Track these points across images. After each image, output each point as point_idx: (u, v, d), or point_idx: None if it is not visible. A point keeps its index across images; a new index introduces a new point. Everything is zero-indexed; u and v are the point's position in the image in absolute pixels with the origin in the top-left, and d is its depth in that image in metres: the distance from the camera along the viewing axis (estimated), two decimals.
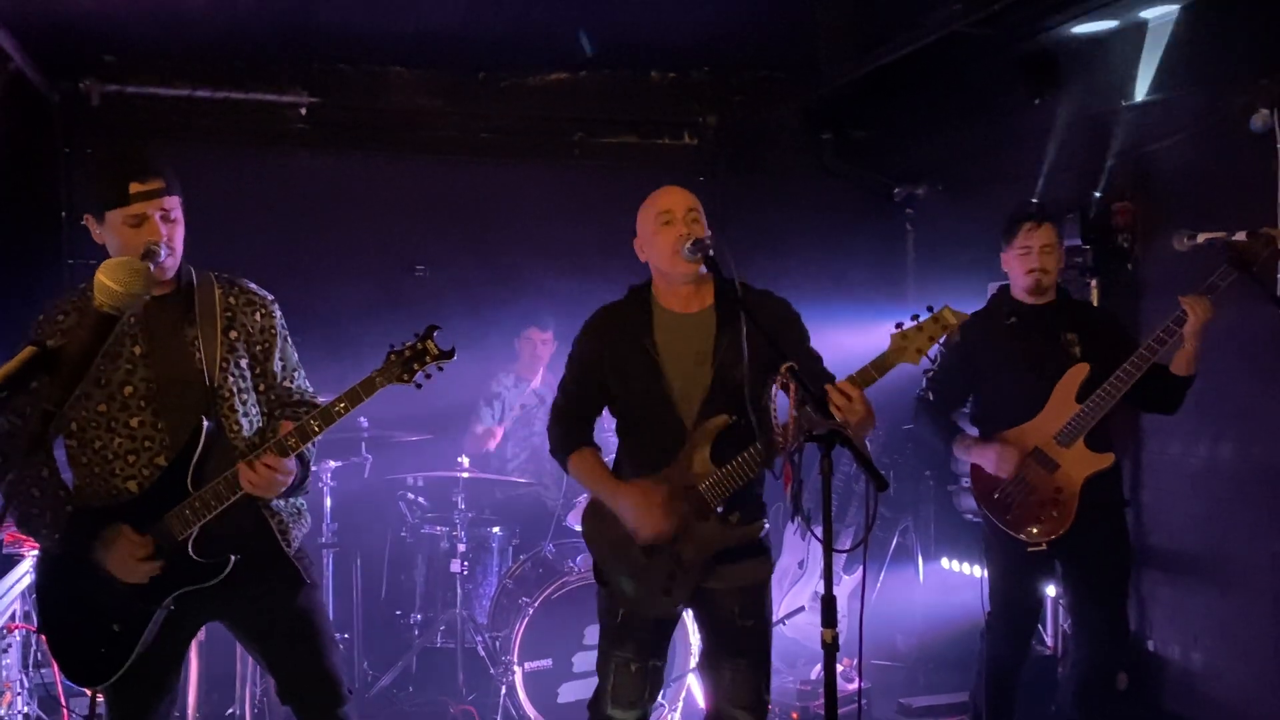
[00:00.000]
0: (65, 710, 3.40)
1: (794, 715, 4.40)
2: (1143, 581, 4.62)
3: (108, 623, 2.65)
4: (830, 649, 2.30)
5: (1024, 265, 3.60)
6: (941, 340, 2.64)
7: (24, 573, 3.42)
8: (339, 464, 4.80)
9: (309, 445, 2.79)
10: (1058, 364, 3.53)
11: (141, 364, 2.71)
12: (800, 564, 5.14)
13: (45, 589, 2.75)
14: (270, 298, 2.90)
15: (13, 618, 3.42)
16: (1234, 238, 3.22)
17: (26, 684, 3.49)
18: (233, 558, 2.66)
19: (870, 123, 6.18)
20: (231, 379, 2.76)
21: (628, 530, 2.88)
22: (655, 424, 2.91)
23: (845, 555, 4.98)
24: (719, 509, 2.85)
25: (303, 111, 5.60)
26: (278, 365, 2.85)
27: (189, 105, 5.41)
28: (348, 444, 4.89)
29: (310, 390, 2.93)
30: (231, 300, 2.82)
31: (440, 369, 2.61)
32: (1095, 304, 4.70)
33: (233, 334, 2.79)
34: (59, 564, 2.72)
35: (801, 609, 4.75)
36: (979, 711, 3.77)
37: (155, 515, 2.65)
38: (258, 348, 2.82)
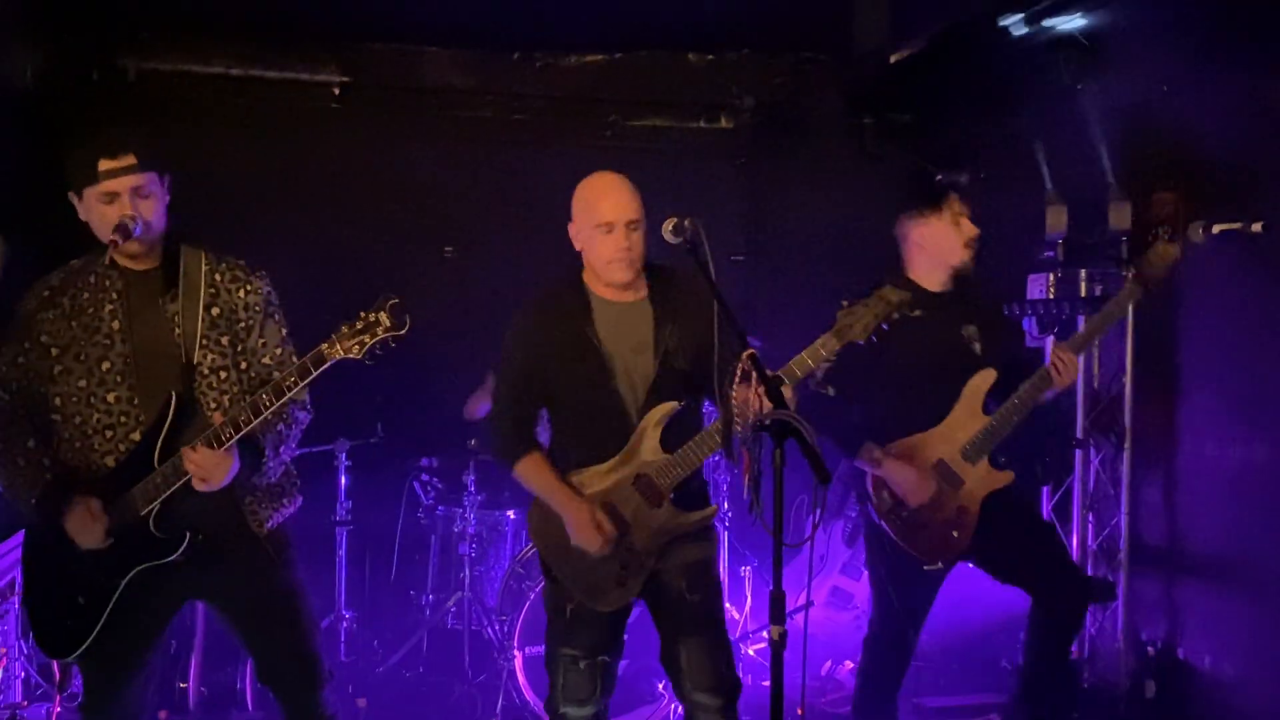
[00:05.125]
0: (57, 676, 3.46)
1: (799, 711, 4.30)
2: (1173, 587, 4.45)
3: (74, 595, 2.68)
4: (778, 646, 2.25)
5: (961, 236, 3.38)
6: (885, 319, 2.71)
7: (19, 542, 3.48)
8: (354, 443, 4.82)
9: (282, 426, 2.78)
10: (961, 364, 3.37)
11: (119, 339, 2.72)
12: (820, 559, 5.04)
13: (26, 559, 2.81)
14: (260, 274, 2.88)
15: (12, 586, 3.48)
16: (1252, 228, 3.05)
17: (25, 649, 3.56)
18: (188, 535, 2.66)
19: (912, 107, 6.02)
20: (211, 355, 2.75)
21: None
22: (601, 414, 2.90)
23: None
24: (671, 496, 2.84)
25: (335, 90, 5.61)
26: (258, 342, 2.83)
27: (223, 83, 5.45)
28: (364, 423, 4.91)
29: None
30: (217, 276, 2.81)
31: (393, 345, 2.58)
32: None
33: (215, 310, 2.78)
34: (40, 535, 2.76)
35: (810, 604, 4.65)
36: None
37: (125, 489, 2.67)
38: (240, 325, 2.81)
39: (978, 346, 3.39)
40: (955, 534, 3.31)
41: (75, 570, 2.68)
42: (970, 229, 3.38)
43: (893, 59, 5.38)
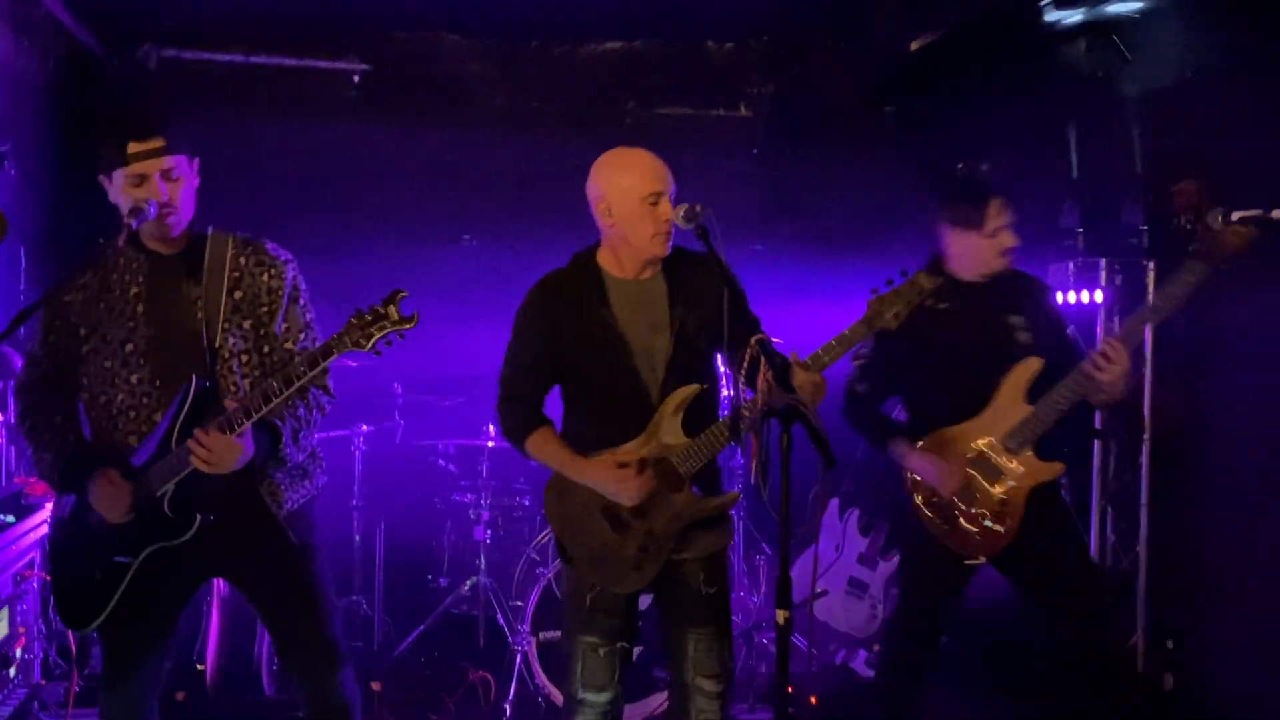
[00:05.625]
0: (73, 656, 3.51)
1: (813, 700, 4.31)
2: (1192, 581, 4.41)
3: (92, 569, 2.73)
4: (784, 631, 2.25)
5: (997, 248, 3.24)
6: (917, 304, 2.62)
7: (41, 520, 3.53)
8: (371, 428, 4.85)
9: (304, 410, 2.80)
10: (1003, 353, 3.23)
11: (143, 321, 2.76)
12: (836, 548, 5.02)
13: (51, 533, 2.86)
14: (285, 259, 2.89)
15: (31, 565, 3.52)
16: (1271, 215, 3.01)
17: (44, 629, 3.61)
18: (199, 518, 2.68)
19: (934, 95, 5.97)
20: (233, 340, 2.77)
21: (594, 506, 2.84)
22: (619, 397, 2.84)
23: (882, 539, 4.88)
24: (692, 480, 2.80)
25: (355, 79, 5.63)
26: (280, 327, 2.84)
27: (244, 71, 5.49)
28: (381, 409, 4.94)
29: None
30: (243, 261, 2.83)
31: (401, 337, 2.59)
32: (1151, 291, 4.46)
33: (238, 294, 2.80)
34: (62, 509, 2.81)
35: (825, 592, 4.64)
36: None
37: (143, 469, 2.71)
38: (262, 309, 2.82)
39: (1023, 335, 3.25)
40: (998, 527, 3.20)
41: (93, 545, 2.72)
42: (1008, 241, 3.25)
43: (913, 46, 5.35)
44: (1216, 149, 4.20)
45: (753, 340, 2.41)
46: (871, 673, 4.47)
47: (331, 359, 2.59)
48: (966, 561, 3.26)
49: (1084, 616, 3.28)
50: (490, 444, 4.78)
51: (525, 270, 5.52)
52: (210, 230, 2.86)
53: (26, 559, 3.47)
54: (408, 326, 2.58)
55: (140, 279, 2.78)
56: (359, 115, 5.65)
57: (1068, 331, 3.35)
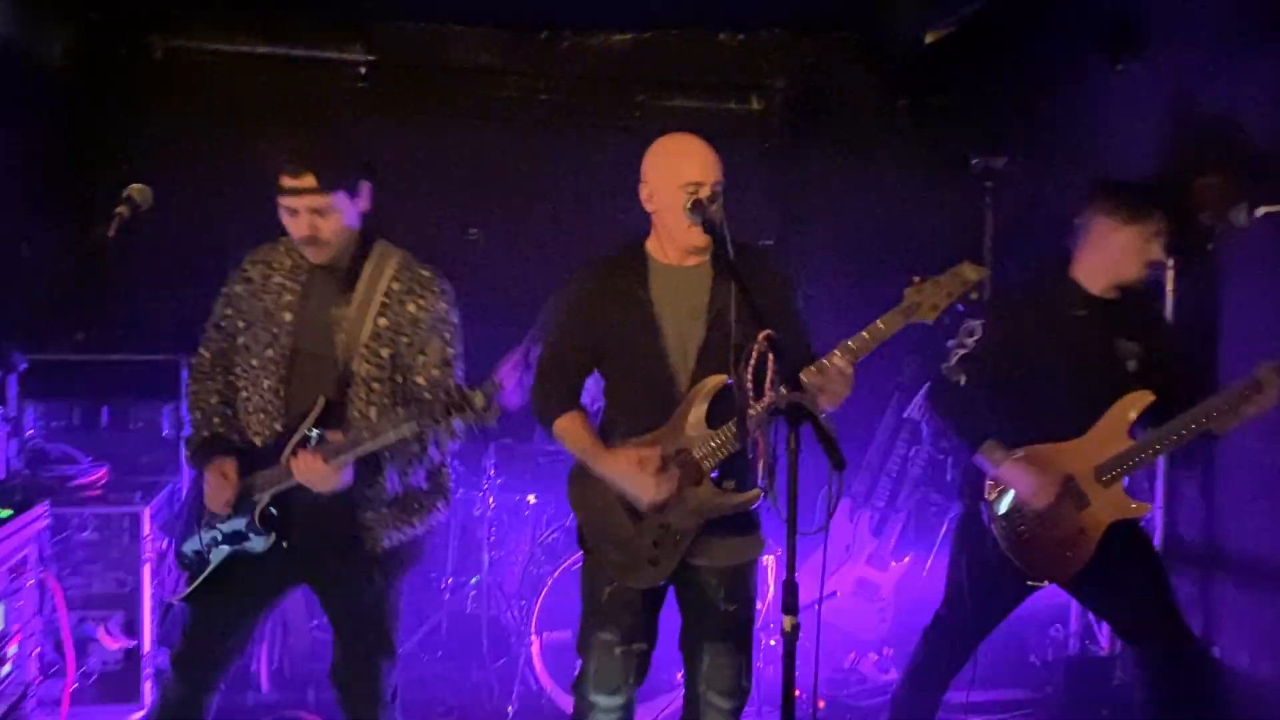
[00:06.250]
0: (69, 655, 3.48)
1: (820, 704, 4.23)
2: (1210, 584, 4.32)
3: (198, 545, 2.83)
4: (790, 637, 2.18)
5: (1145, 254, 3.12)
6: (959, 298, 2.53)
7: (39, 515, 3.50)
8: None
9: (417, 446, 2.79)
10: (1110, 379, 3.12)
11: (287, 330, 2.76)
12: (846, 548, 4.95)
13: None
14: (439, 289, 2.83)
15: (26, 561, 3.46)
16: None
17: (40, 626, 3.56)
18: (274, 537, 2.73)
19: (948, 89, 5.88)
20: (368, 366, 2.74)
21: (613, 496, 2.76)
22: (648, 382, 2.76)
23: (895, 537, 4.80)
24: (713, 474, 2.70)
25: (362, 70, 5.57)
26: (418, 359, 2.78)
27: (249, 61, 5.43)
28: None
29: (454, 387, 2.73)
30: (396, 285, 2.78)
31: (479, 428, 2.57)
32: (1171, 288, 4.36)
33: (383, 321, 2.76)
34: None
35: (833, 594, 4.56)
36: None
37: (251, 473, 2.77)
38: (403, 338, 2.78)
39: (1133, 364, 3.14)
40: (1069, 554, 3.11)
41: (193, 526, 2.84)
42: (1157, 252, 3.14)
43: (928, 39, 5.28)
44: (1241, 143, 4.11)
45: (760, 336, 2.33)
46: (881, 676, 4.40)
47: (403, 433, 2.61)
48: (1029, 582, 3.17)
49: (1160, 652, 3.20)
50: (495, 441, 4.72)
51: (532, 263, 5.50)
52: (379, 243, 2.83)
53: (20, 555, 3.41)
54: (486, 421, 2.55)
55: (296, 286, 2.78)
56: (365, 106, 5.58)
57: (1185, 366, 3.23)
